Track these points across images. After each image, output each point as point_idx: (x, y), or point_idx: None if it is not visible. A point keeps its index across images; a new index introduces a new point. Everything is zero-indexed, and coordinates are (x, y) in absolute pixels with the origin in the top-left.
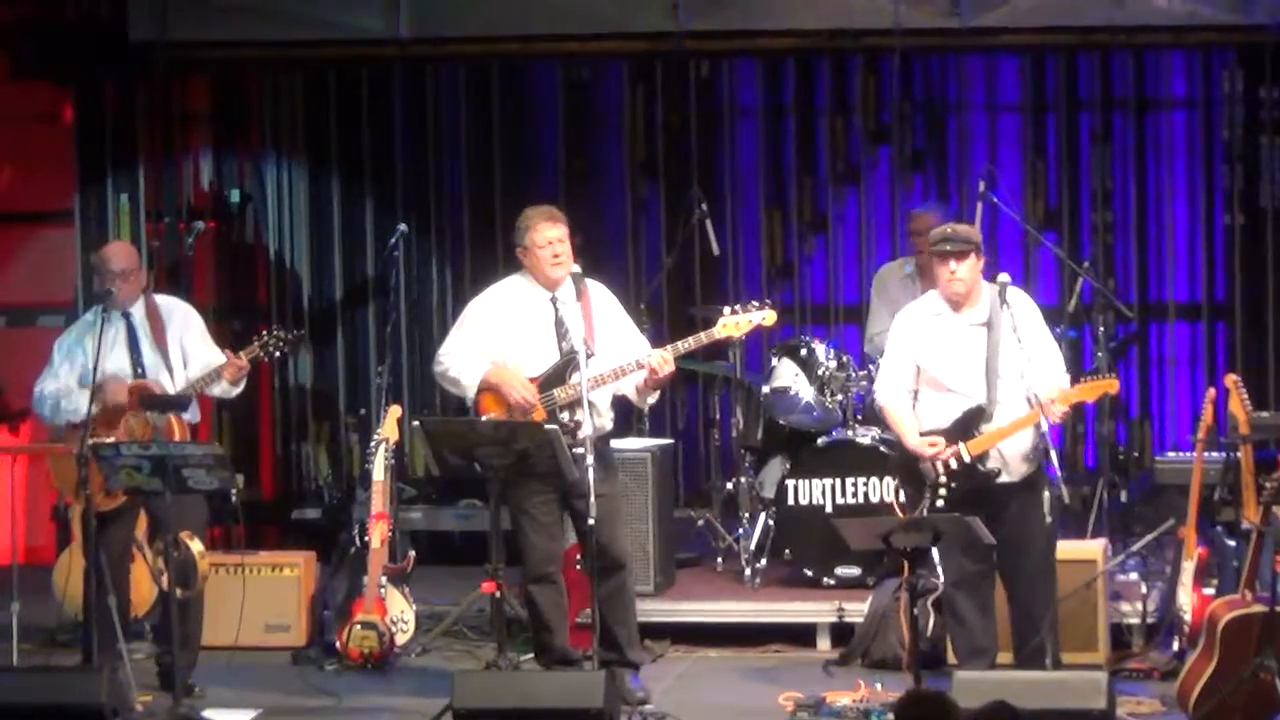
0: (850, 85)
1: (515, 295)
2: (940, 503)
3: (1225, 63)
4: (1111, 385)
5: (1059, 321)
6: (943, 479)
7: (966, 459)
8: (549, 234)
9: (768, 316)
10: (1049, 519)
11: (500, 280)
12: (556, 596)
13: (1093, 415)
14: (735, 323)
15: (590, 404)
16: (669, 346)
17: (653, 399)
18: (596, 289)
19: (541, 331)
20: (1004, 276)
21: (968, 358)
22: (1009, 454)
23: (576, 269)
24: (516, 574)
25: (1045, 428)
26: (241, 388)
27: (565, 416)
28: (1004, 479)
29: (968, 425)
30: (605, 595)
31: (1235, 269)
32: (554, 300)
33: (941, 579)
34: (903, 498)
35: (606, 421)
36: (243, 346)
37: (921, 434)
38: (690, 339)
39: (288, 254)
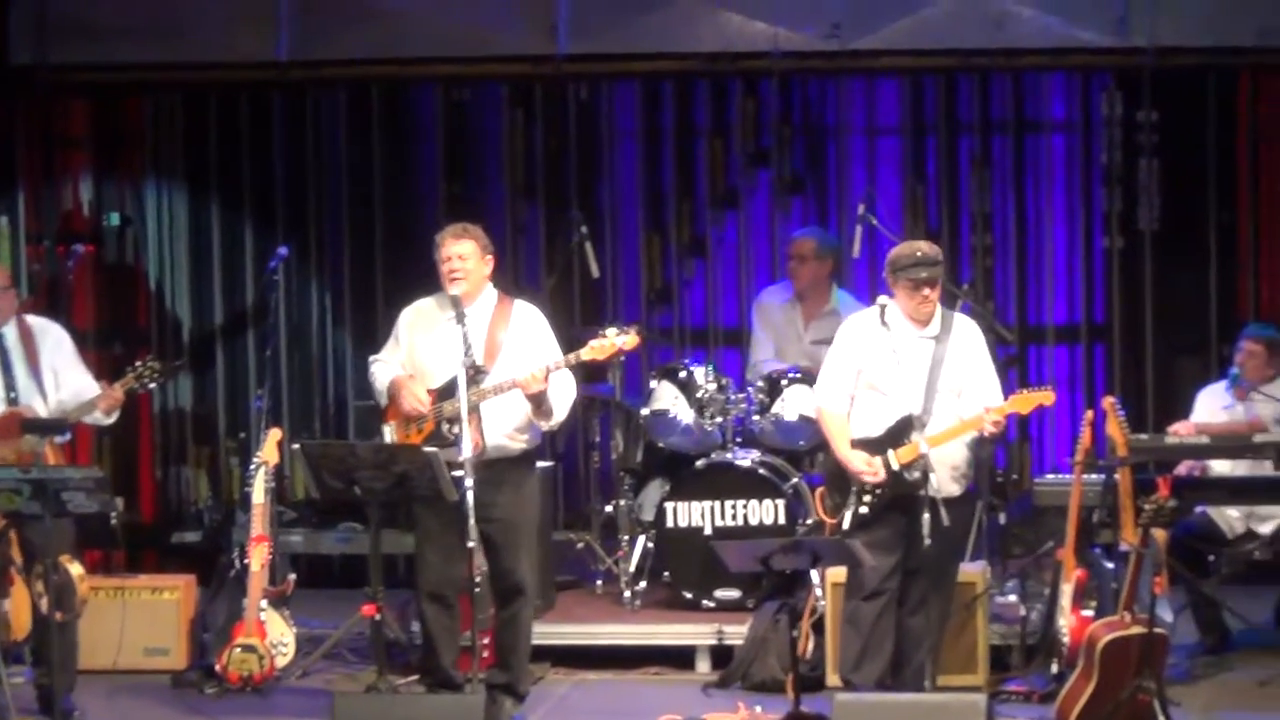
0: (729, 108)
1: (430, 309)
2: (864, 509)
3: (1104, 85)
4: (1047, 397)
5: None
6: (868, 487)
7: (895, 467)
8: (450, 249)
9: (629, 340)
10: (927, 540)
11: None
12: (447, 619)
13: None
14: (600, 345)
15: (479, 420)
16: (539, 366)
17: (554, 422)
18: (521, 309)
19: (445, 345)
20: (883, 298)
21: (911, 367)
22: (937, 467)
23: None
24: (396, 597)
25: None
26: (115, 417)
27: (449, 429)
28: (929, 492)
29: (899, 433)
30: (504, 619)
31: (1114, 291)
32: (462, 315)
33: (822, 601)
34: (828, 502)
35: (510, 442)
36: (121, 372)
37: (854, 440)
38: (554, 360)
39: (168, 278)
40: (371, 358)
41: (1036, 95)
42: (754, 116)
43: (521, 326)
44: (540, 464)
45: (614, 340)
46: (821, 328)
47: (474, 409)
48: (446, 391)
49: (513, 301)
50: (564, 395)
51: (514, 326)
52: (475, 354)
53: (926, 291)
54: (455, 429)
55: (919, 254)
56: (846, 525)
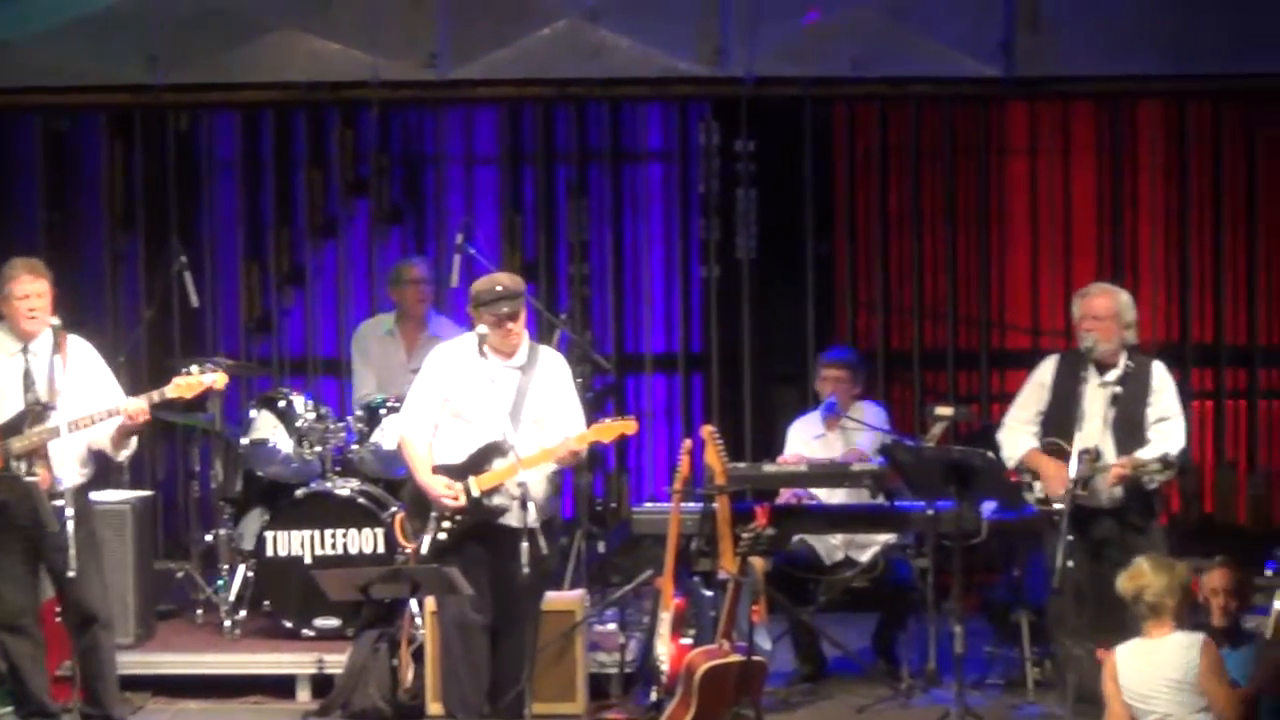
0: (328, 138)
1: None
2: (443, 535)
3: (701, 115)
4: (629, 426)
5: None
6: (447, 513)
7: (475, 494)
8: (28, 288)
9: (218, 379)
10: (525, 569)
11: None
12: (31, 648)
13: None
14: (186, 383)
15: (48, 455)
16: (139, 397)
17: (127, 452)
18: (76, 344)
19: (9, 382)
20: (482, 327)
21: (497, 397)
22: (519, 496)
23: (56, 322)
24: None
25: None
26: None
27: (20, 466)
28: (510, 521)
29: (481, 460)
30: (83, 650)
31: (711, 320)
32: (25, 351)
33: (421, 629)
34: (408, 527)
35: (79, 474)
36: None
37: (436, 466)
38: (143, 396)
39: None
40: None
41: (634, 125)
42: (352, 146)
43: (81, 360)
44: (139, 493)
45: (200, 379)
46: (423, 356)
47: (44, 444)
48: (11, 428)
49: (67, 336)
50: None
51: (72, 361)
52: (40, 390)
53: (509, 325)
54: (31, 466)
55: (499, 288)
56: (425, 550)
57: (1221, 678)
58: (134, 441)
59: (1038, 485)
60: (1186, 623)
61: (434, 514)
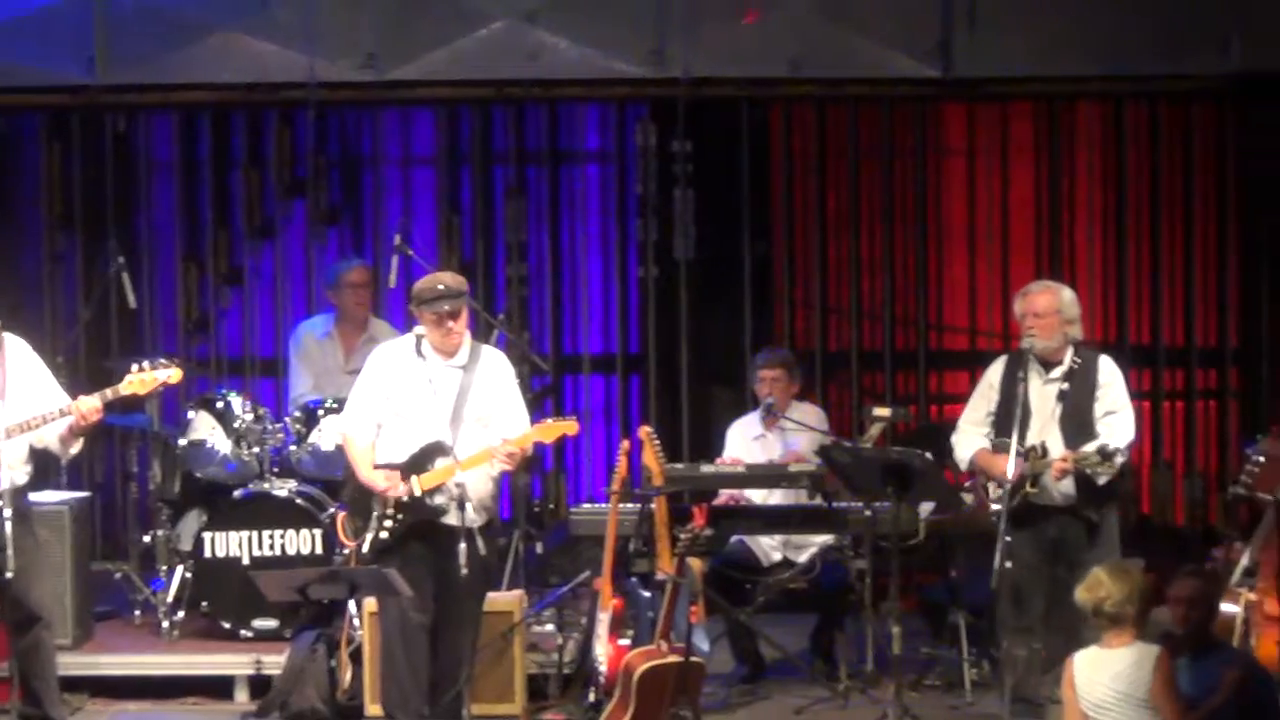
0: (266, 139)
1: None
2: (385, 534)
3: (639, 116)
4: (570, 427)
5: None
6: (389, 511)
7: (417, 493)
8: None
9: (173, 375)
10: (464, 570)
11: None
12: None
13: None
14: (141, 379)
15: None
16: (93, 396)
17: (75, 449)
18: (13, 343)
19: None
20: (419, 328)
21: (438, 396)
22: (457, 497)
23: None
24: None
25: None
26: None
27: None
28: (451, 520)
29: (423, 460)
30: (23, 650)
31: (649, 321)
32: None
33: (359, 630)
34: (349, 526)
35: (21, 474)
36: None
37: (377, 465)
38: (96, 395)
39: None
40: None
41: (571, 126)
42: (290, 147)
43: (18, 361)
44: (77, 494)
45: (155, 374)
46: (361, 358)
47: None
48: None
49: (4, 336)
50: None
51: (12, 361)
52: None
53: (450, 324)
54: None
55: (441, 287)
56: (366, 549)
57: (1171, 695)
58: (80, 441)
59: (992, 486)
60: (1148, 630)
61: (376, 513)
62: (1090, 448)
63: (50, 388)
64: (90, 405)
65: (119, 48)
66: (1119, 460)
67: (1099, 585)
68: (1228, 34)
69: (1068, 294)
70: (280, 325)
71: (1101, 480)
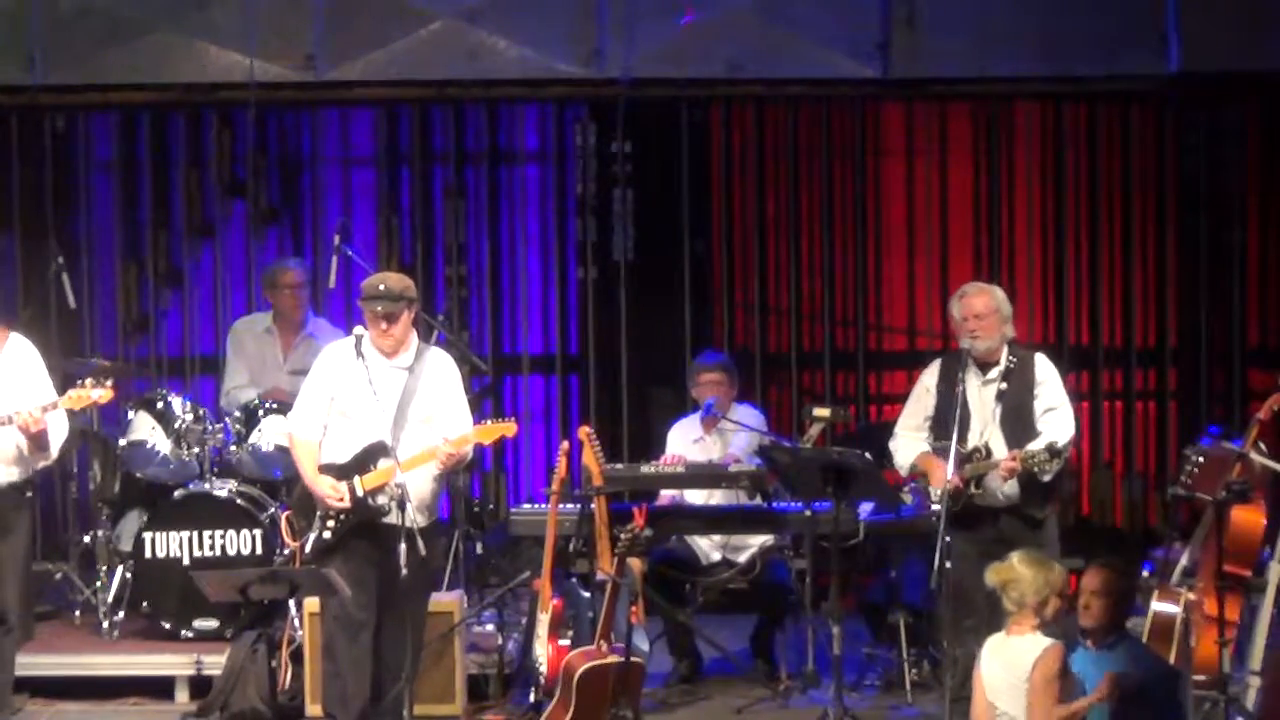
0: (205, 139)
1: None
2: (328, 534)
3: (578, 116)
4: (508, 429)
5: None
6: (332, 512)
7: (360, 493)
8: None
9: (104, 395)
10: (404, 570)
11: None
12: None
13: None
14: (73, 397)
15: None
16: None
17: (41, 462)
18: (17, 343)
19: None
20: (360, 328)
21: (382, 397)
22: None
23: None
24: None
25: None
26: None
27: None
28: (392, 520)
29: (366, 460)
30: None
31: (589, 322)
32: None
33: (300, 630)
34: (294, 526)
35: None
36: None
37: (322, 465)
38: (37, 408)
39: None
40: None
41: (511, 126)
42: (229, 148)
43: (17, 360)
44: None
45: (89, 394)
46: (299, 357)
47: None
48: None
49: (8, 333)
50: (58, 433)
51: (11, 360)
52: None
53: (384, 325)
54: None
55: (381, 287)
56: (310, 549)
57: (1046, 691)
58: (44, 453)
59: (934, 489)
60: (1053, 625)
61: (319, 512)
62: (1038, 445)
63: (41, 391)
64: (31, 416)
65: (58, 47)
66: (1065, 455)
67: (1009, 569)
68: (1166, 35)
69: (1000, 293)
70: (220, 325)
71: (1046, 478)
